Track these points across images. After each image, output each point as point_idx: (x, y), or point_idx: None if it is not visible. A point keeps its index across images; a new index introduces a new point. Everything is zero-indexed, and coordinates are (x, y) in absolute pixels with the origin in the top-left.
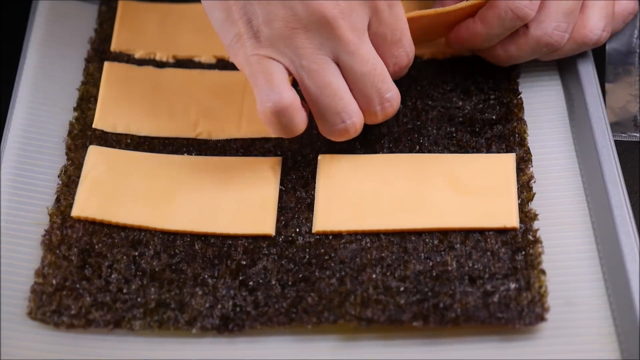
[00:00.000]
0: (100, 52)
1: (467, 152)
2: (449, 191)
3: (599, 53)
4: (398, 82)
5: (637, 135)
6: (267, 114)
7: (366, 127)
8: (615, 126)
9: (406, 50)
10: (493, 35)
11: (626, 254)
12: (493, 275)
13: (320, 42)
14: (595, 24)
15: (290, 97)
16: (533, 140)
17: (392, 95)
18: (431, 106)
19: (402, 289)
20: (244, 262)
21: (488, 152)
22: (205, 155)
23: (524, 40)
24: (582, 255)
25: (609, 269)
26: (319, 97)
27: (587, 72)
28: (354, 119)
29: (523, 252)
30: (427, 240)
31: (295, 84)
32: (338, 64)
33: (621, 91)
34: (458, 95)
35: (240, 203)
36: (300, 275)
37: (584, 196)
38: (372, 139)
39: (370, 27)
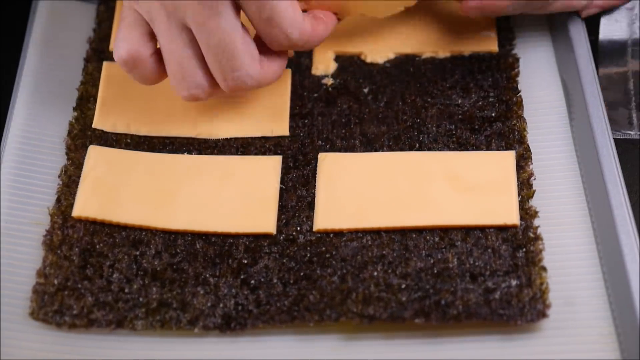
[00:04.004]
0: (99, 51)
1: (466, 149)
2: (450, 189)
3: (593, 50)
4: (397, 78)
5: (632, 133)
6: (115, 60)
7: (366, 125)
8: (611, 124)
9: (284, 31)
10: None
11: (626, 254)
12: (494, 272)
13: (173, 8)
14: None
15: (136, 50)
16: (533, 140)
17: (239, 75)
18: (430, 103)
19: (403, 286)
20: (246, 261)
21: (488, 149)
22: (206, 154)
23: None
24: (582, 255)
25: (609, 269)
26: (167, 60)
27: (587, 71)
28: (196, 91)
29: (524, 249)
30: (428, 237)
31: None
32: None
33: (615, 89)
34: (457, 92)
35: (240, 202)
36: (302, 274)
37: (584, 196)
38: (372, 137)
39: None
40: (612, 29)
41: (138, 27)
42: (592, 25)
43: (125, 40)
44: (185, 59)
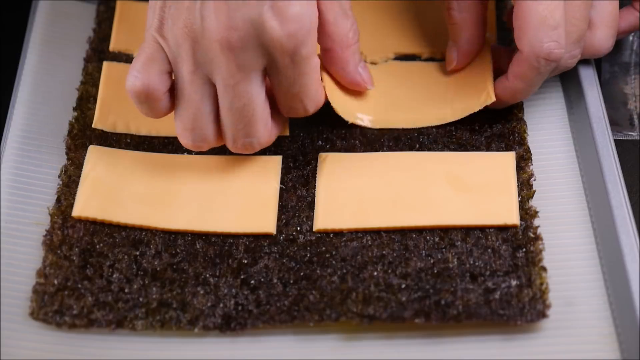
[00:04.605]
0: (98, 51)
1: (466, 150)
2: (450, 189)
3: None
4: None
5: (634, 134)
6: (127, 89)
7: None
8: (611, 125)
9: (304, 106)
10: (534, 86)
11: (626, 254)
12: (494, 272)
13: (204, 60)
14: (603, 45)
15: (152, 87)
16: (533, 140)
17: (250, 141)
18: None
19: (403, 286)
20: (245, 261)
21: (488, 150)
22: (205, 154)
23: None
24: (582, 255)
25: (609, 269)
26: (180, 107)
27: (587, 72)
28: (200, 143)
29: (524, 249)
30: (428, 237)
31: None
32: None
33: (617, 89)
34: None
35: (240, 202)
36: (302, 274)
37: (584, 196)
38: (372, 138)
39: (267, 70)
40: None
41: (158, 63)
42: None
43: (141, 73)
44: (200, 112)
